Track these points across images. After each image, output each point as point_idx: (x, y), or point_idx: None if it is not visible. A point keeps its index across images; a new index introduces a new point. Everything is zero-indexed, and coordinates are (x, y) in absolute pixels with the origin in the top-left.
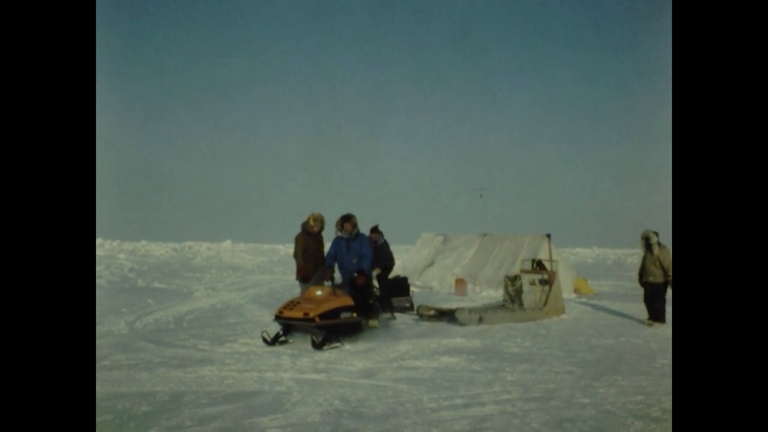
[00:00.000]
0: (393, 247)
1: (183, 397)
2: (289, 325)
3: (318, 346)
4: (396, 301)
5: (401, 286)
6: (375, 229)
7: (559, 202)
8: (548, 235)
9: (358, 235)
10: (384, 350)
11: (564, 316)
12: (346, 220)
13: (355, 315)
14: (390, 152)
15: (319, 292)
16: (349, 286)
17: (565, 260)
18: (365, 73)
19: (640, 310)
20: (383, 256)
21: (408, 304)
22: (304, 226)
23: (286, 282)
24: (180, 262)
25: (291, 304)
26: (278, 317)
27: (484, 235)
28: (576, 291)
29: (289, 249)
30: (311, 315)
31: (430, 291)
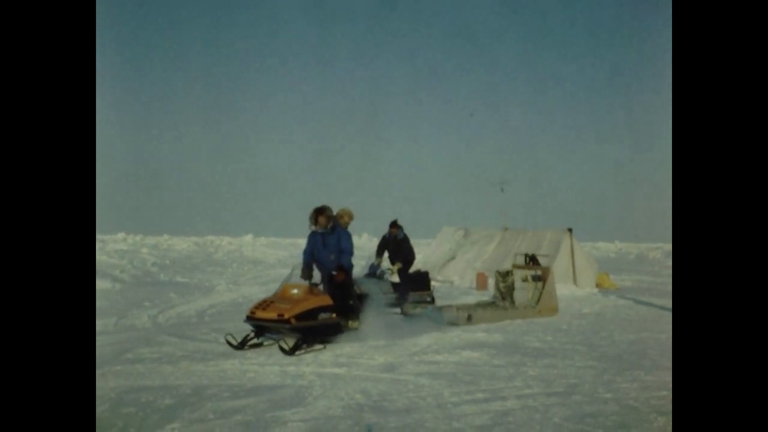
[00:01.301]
0: (414, 242)
1: (205, 391)
2: (262, 327)
3: (289, 351)
4: (417, 295)
5: (422, 280)
6: (394, 224)
7: (580, 196)
8: (570, 230)
9: (335, 228)
10: (405, 344)
11: (587, 309)
12: (320, 212)
13: (334, 315)
14: (410, 146)
15: (294, 291)
16: (328, 284)
17: (587, 255)
18: (378, 67)
19: (664, 304)
20: (403, 251)
21: (429, 299)
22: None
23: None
24: (202, 257)
25: (264, 304)
26: (250, 318)
27: (506, 229)
28: (598, 286)
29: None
30: (286, 316)
31: (450, 285)
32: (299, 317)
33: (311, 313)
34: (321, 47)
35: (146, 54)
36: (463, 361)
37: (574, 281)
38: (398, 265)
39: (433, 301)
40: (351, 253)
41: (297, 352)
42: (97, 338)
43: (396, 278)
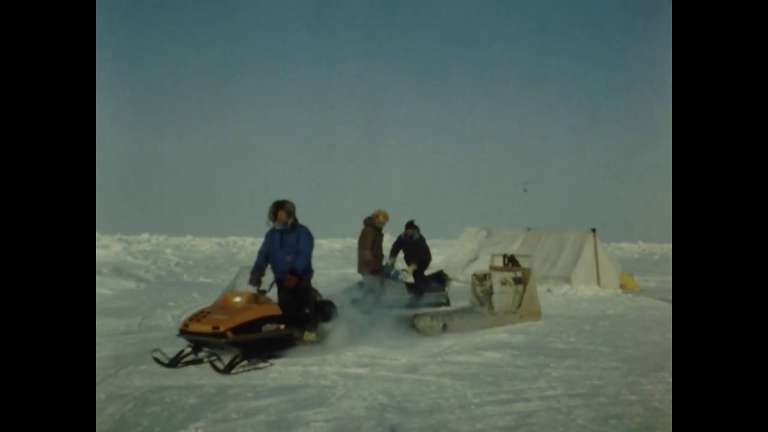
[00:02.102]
0: (436, 242)
1: (229, 390)
2: (198, 342)
3: (224, 370)
4: (432, 296)
5: (438, 281)
6: (411, 225)
7: (603, 196)
8: (593, 230)
9: (295, 226)
10: (427, 345)
11: (611, 310)
12: (280, 207)
13: (282, 327)
14: (432, 147)
15: (237, 299)
16: (279, 290)
17: (611, 255)
18: (396, 67)
19: None
20: (420, 251)
21: (444, 300)
22: (371, 221)
23: (328, 276)
24: (224, 257)
25: (200, 315)
26: (183, 332)
27: (528, 229)
28: (622, 287)
29: (333, 244)
30: (222, 329)
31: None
32: (237, 330)
33: (253, 325)
34: (326, 44)
35: (157, 57)
36: (486, 361)
37: (598, 282)
38: (413, 267)
39: (448, 302)
40: (308, 256)
41: (233, 371)
42: (122, 338)
43: (411, 279)
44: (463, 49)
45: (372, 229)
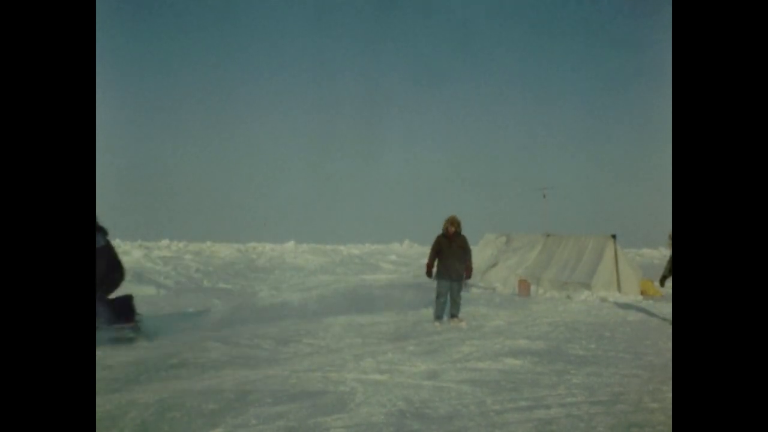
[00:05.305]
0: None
1: (248, 396)
2: None
3: None
4: (118, 329)
5: (125, 307)
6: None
7: (624, 201)
8: (614, 236)
9: None
10: (447, 351)
11: (632, 317)
12: None
13: None
14: (450, 152)
15: None
16: None
17: (631, 261)
18: (415, 64)
19: None
20: (104, 265)
21: (132, 333)
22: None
23: (347, 283)
24: (244, 263)
25: None
26: None
27: (548, 235)
28: (642, 293)
29: (352, 250)
30: None
31: (492, 292)
32: None
33: None
34: (327, 45)
35: (161, 60)
36: (506, 368)
37: (618, 288)
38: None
39: (138, 331)
40: None
41: None
42: (142, 343)
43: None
44: (465, 50)
45: (440, 235)
